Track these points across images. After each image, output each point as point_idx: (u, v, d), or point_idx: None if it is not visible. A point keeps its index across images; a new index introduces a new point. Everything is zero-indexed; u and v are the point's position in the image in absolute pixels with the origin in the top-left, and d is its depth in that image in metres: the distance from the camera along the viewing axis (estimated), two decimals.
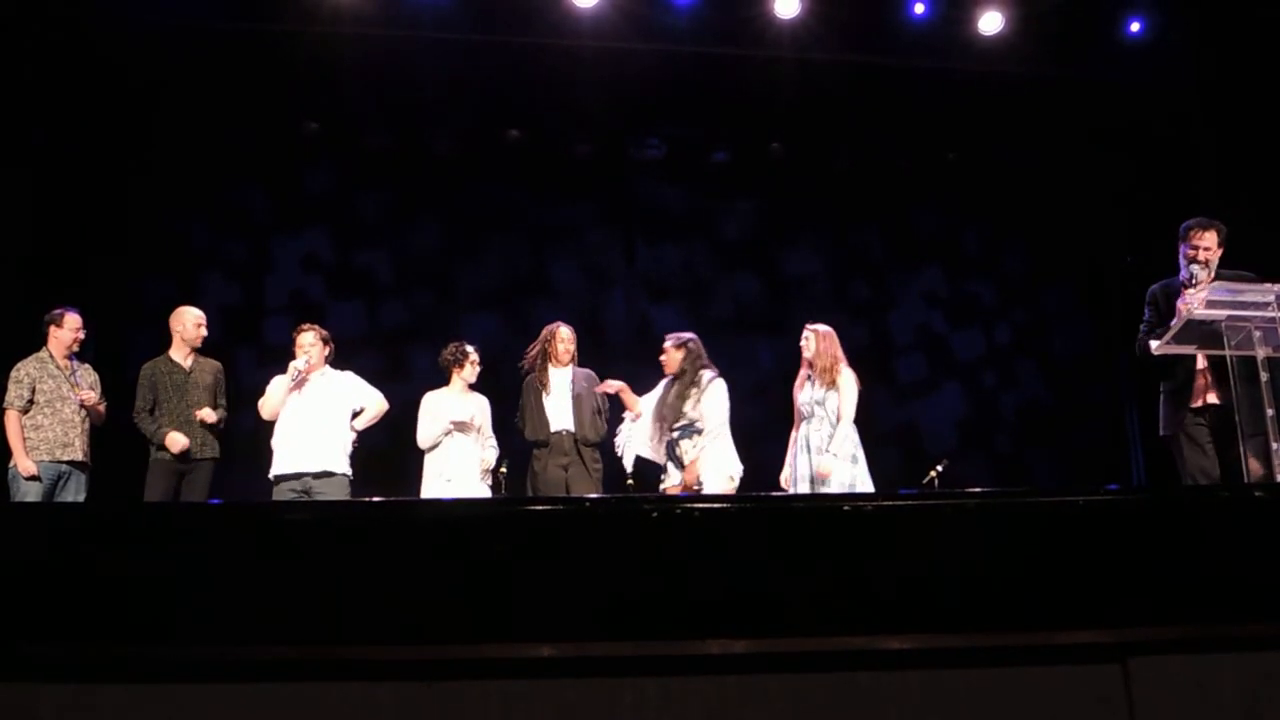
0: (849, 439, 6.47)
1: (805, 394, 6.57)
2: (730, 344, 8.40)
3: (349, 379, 6.76)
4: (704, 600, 1.97)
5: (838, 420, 6.47)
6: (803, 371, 6.68)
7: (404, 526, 2.06)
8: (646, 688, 1.95)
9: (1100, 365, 9.68)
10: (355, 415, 6.70)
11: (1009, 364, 9.84)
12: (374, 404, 6.73)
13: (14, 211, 7.67)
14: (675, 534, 2.00)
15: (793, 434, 6.67)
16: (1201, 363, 5.29)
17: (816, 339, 6.61)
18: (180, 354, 6.65)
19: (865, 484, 6.45)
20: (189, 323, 6.68)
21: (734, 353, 7.75)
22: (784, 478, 6.64)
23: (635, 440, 6.57)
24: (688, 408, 6.36)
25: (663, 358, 6.58)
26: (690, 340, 6.53)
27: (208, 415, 6.52)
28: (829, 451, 6.41)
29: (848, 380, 6.55)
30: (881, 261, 9.91)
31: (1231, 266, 5.35)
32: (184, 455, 6.43)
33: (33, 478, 6.16)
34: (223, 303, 8.57)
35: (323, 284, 9.01)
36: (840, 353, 6.63)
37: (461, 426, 6.56)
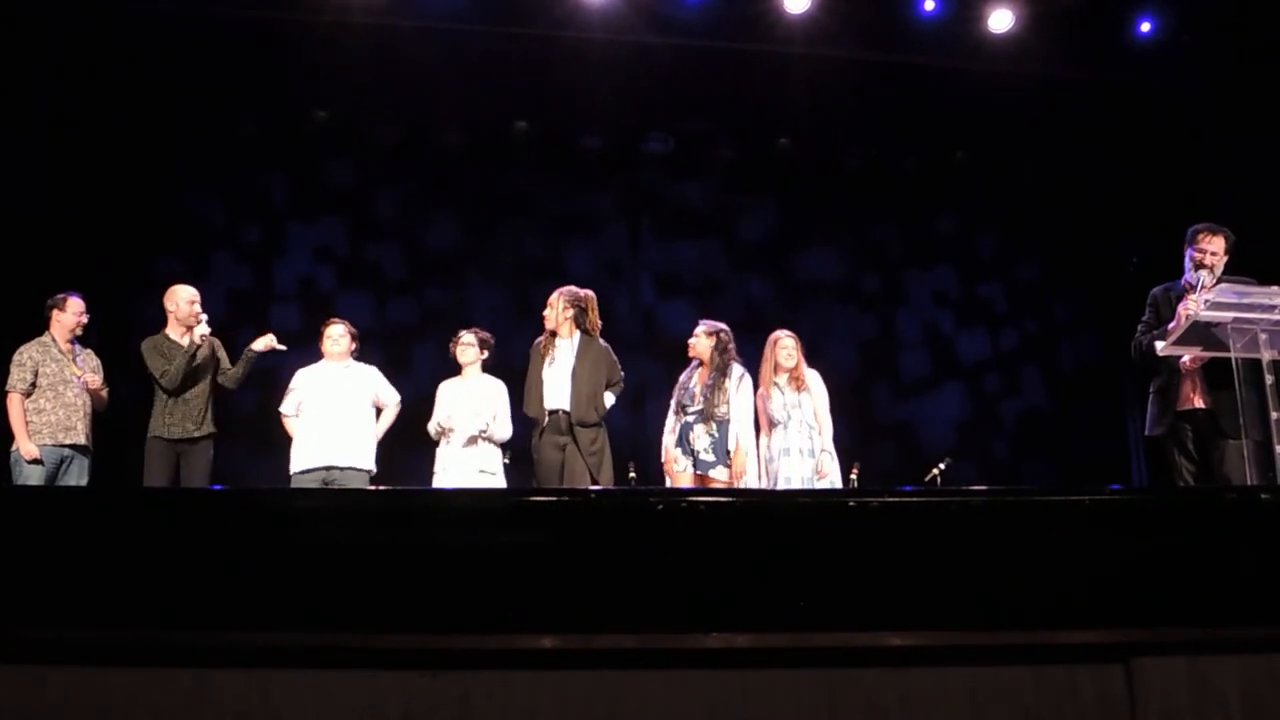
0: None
1: (777, 401, 6.58)
2: (737, 343, 8.38)
3: (373, 374, 6.78)
4: (706, 594, 1.97)
5: (816, 419, 6.57)
6: (769, 379, 6.65)
7: (408, 516, 2.06)
8: (649, 681, 1.95)
9: (1106, 379, 9.66)
10: (378, 411, 6.73)
11: (1014, 370, 9.83)
12: (391, 405, 6.76)
13: (24, 190, 7.69)
14: (679, 527, 2.00)
15: (761, 440, 6.63)
16: (1189, 366, 5.28)
17: (798, 346, 6.65)
18: (176, 333, 6.65)
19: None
20: (182, 301, 6.68)
21: (741, 350, 7.74)
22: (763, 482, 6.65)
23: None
24: (717, 398, 6.36)
25: (692, 341, 6.56)
26: (723, 330, 6.53)
27: (266, 342, 6.65)
28: (825, 450, 6.52)
29: (816, 377, 6.65)
30: (890, 259, 9.90)
31: (1238, 270, 5.34)
32: (181, 436, 6.45)
33: (35, 461, 6.17)
34: (231, 285, 8.60)
35: (333, 273, 9.03)
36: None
37: (442, 432, 6.55)
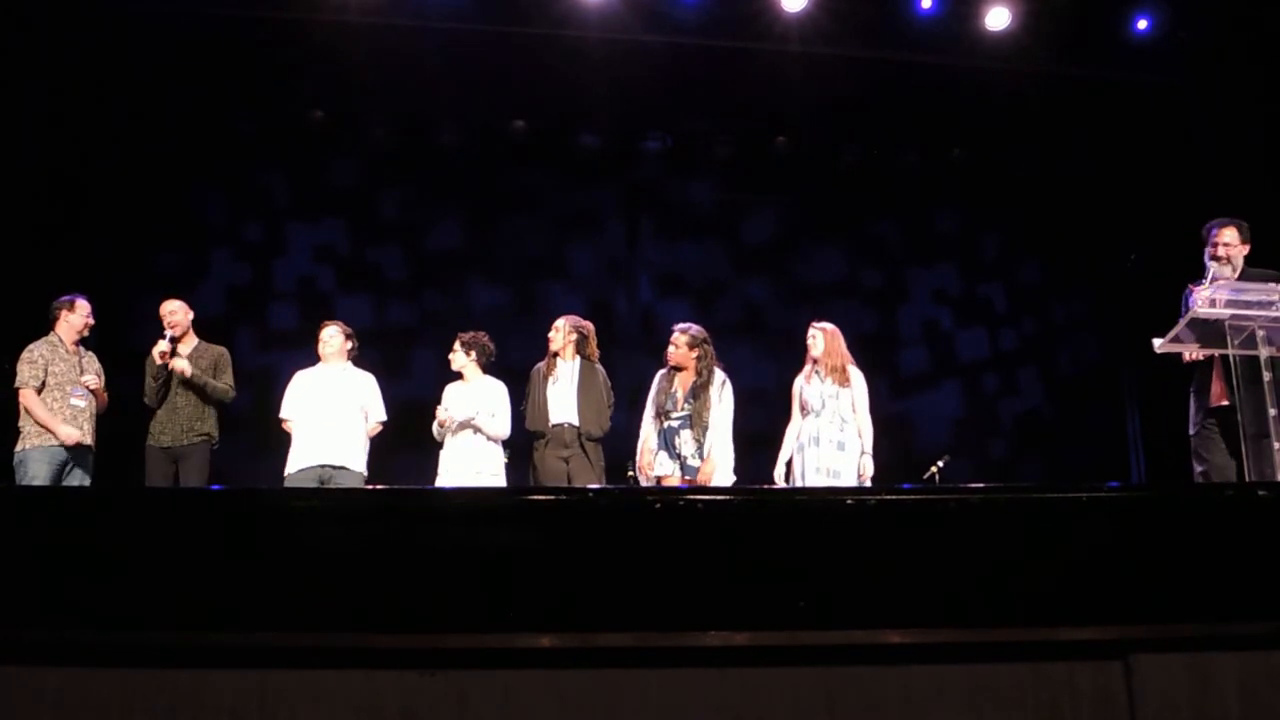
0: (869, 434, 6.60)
1: (814, 389, 6.58)
2: (735, 340, 8.40)
3: (368, 382, 6.76)
4: (705, 593, 1.97)
5: (855, 415, 6.57)
6: (808, 368, 6.70)
7: (406, 515, 2.06)
8: (647, 679, 1.95)
9: (1105, 382, 9.66)
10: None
11: (1012, 370, 9.83)
12: (375, 417, 6.75)
13: (24, 187, 7.70)
14: (678, 526, 2.00)
15: (791, 428, 6.66)
16: (1218, 365, 5.28)
17: (825, 337, 6.67)
18: (179, 344, 6.68)
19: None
20: (165, 314, 6.73)
21: (738, 348, 7.75)
22: (779, 473, 6.64)
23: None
24: (703, 403, 6.38)
25: (670, 349, 6.55)
26: (705, 339, 6.54)
27: (179, 365, 6.51)
28: (866, 453, 6.54)
29: (860, 378, 6.67)
30: (887, 256, 9.91)
31: (1261, 265, 5.34)
32: (172, 444, 6.48)
33: (78, 445, 6.19)
34: (231, 283, 8.60)
35: (331, 273, 9.04)
36: (847, 350, 6.70)
37: (442, 424, 6.58)
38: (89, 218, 8.13)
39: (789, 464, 6.64)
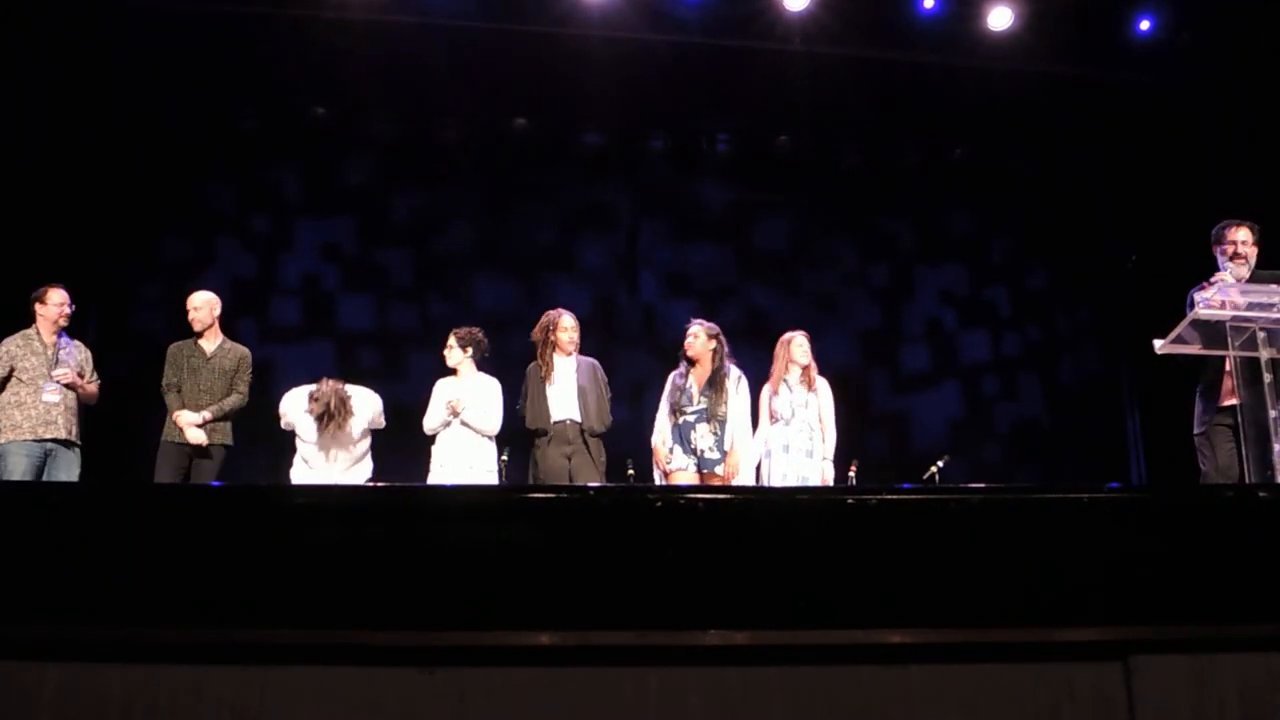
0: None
1: (784, 398, 6.64)
2: (737, 340, 8.39)
3: (373, 401, 6.63)
4: (705, 591, 1.96)
5: (821, 424, 6.65)
6: (779, 376, 6.73)
7: (405, 512, 2.06)
8: (646, 678, 1.95)
9: (1106, 392, 9.66)
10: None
11: (1012, 375, 9.84)
12: (376, 427, 6.67)
13: (30, 173, 7.72)
14: (678, 524, 1.99)
15: (758, 435, 6.69)
16: (1230, 363, 5.26)
17: (809, 350, 6.72)
18: (204, 339, 6.60)
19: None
20: (189, 307, 6.65)
21: (740, 349, 7.75)
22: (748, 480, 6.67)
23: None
24: (718, 398, 6.40)
25: (690, 340, 6.56)
26: (720, 333, 6.57)
27: (193, 420, 6.35)
28: (826, 459, 6.63)
29: (827, 387, 6.77)
30: (888, 256, 9.92)
31: (1260, 268, 5.33)
32: (196, 442, 6.38)
33: (47, 441, 6.09)
34: (235, 276, 8.60)
35: (334, 270, 9.04)
36: (813, 360, 6.80)
37: (448, 422, 6.56)
38: (95, 209, 8.12)
39: (756, 470, 6.67)
